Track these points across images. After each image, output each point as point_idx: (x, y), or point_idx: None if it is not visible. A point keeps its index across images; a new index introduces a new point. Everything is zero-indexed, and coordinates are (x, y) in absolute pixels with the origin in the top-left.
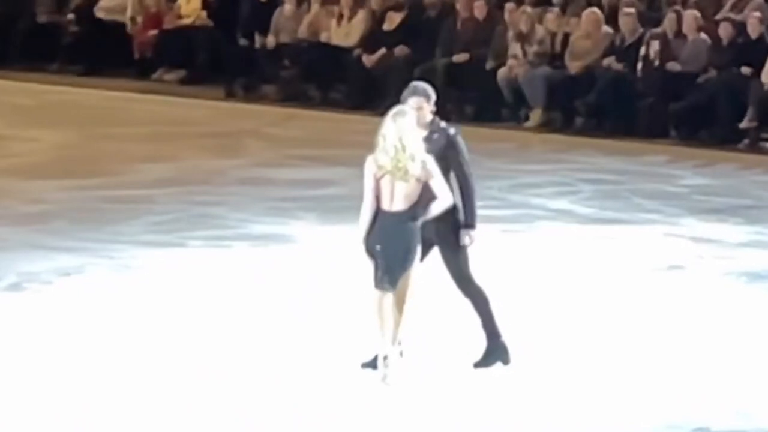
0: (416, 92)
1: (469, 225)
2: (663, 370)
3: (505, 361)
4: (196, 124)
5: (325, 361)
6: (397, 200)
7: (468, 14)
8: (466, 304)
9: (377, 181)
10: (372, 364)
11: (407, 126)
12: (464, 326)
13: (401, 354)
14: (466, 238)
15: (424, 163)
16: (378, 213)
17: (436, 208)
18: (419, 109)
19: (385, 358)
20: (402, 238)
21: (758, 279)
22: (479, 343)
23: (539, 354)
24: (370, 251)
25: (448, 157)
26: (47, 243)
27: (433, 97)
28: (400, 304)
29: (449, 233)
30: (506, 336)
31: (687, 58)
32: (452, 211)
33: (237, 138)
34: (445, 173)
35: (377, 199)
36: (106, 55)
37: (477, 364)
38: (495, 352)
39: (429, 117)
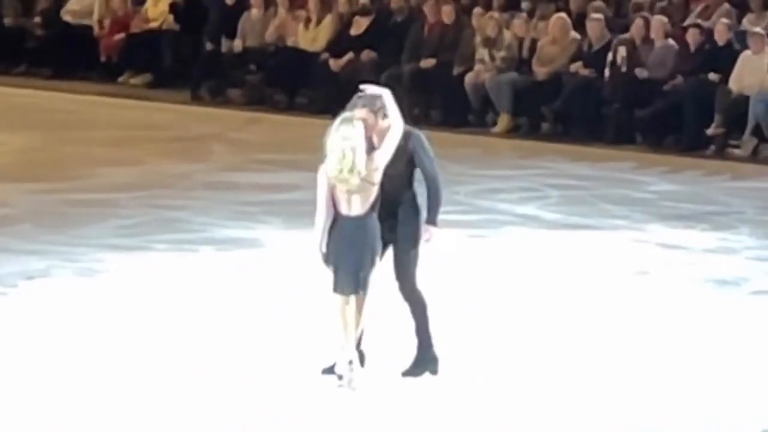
0: (361, 104)
1: (432, 221)
2: (629, 375)
3: (434, 371)
4: (162, 128)
5: (288, 365)
6: (354, 205)
7: (435, 19)
8: (404, 309)
9: (332, 188)
10: (331, 369)
11: (350, 135)
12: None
13: (359, 359)
14: (426, 234)
15: (361, 174)
16: (337, 219)
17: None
18: (364, 120)
19: (351, 362)
20: (363, 242)
21: (724, 285)
22: (442, 346)
23: (505, 360)
24: (328, 258)
25: (413, 159)
26: (11, 246)
27: (384, 105)
28: (360, 307)
29: (407, 233)
30: (438, 347)
31: (654, 64)
32: (414, 211)
33: (202, 142)
34: (411, 173)
35: (335, 205)
36: (72, 59)
37: (405, 373)
38: (425, 361)
39: (385, 124)
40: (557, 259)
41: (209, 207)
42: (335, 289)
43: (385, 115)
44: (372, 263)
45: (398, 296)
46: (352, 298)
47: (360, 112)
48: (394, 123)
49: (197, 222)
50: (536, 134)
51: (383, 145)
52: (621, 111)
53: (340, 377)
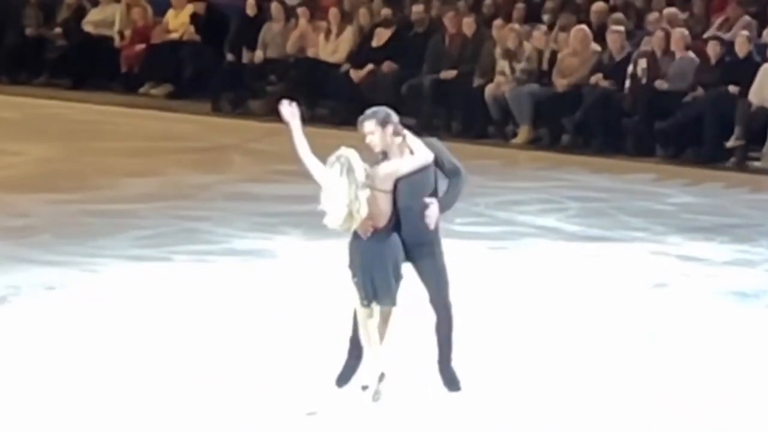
0: (369, 116)
1: (437, 199)
2: (647, 387)
3: (454, 389)
4: (182, 139)
5: (307, 377)
6: (379, 218)
7: (456, 31)
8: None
9: None
10: (341, 380)
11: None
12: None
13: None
14: (431, 205)
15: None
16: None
17: None
18: (371, 133)
19: (382, 375)
20: (389, 255)
21: (744, 298)
22: (462, 358)
23: (523, 371)
24: (355, 272)
25: (437, 162)
26: (31, 256)
27: (391, 121)
28: (388, 319)
29: (436, 247)
30: (457, 364)
31: (674, 76)
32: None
33: (223, 153)
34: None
35: None
36: (93, 69)
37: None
38: (445, 378)
39: (397, 140)
40: (576, 271)
41: (229, 218)
42: (363, 303)
43: (391, 127)
44: (398, 276)
45: (427, 307)
46: (377, 311)
47: (368, 125)
48: (415, 143)
49: (217, 233)
50: (556, 146)
51: (397, 156)
52: (641, 123)
53: (365, 388)
